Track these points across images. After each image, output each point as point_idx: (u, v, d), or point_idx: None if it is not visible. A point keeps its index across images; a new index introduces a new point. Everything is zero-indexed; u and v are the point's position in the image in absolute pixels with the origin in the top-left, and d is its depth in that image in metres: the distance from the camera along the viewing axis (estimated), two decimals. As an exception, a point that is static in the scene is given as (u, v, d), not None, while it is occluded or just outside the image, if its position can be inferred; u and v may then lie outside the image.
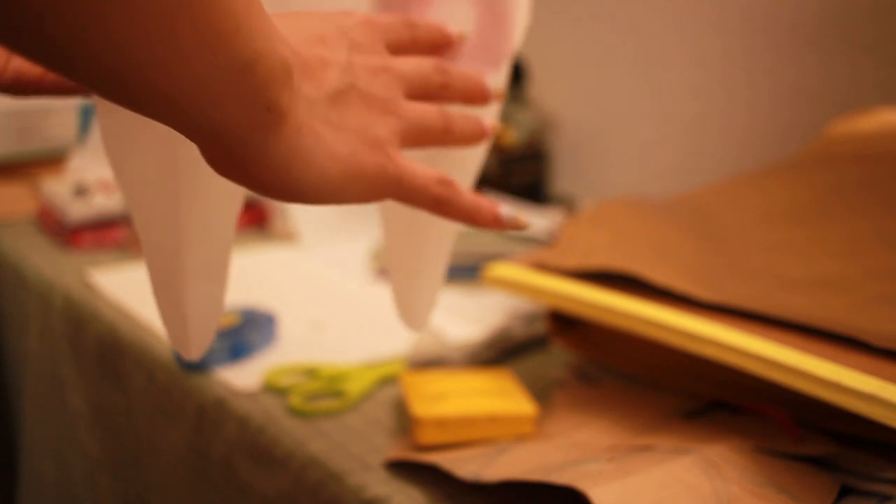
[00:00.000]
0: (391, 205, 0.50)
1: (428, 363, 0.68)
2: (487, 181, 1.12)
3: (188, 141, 0.38)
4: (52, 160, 1.13)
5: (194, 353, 0.49)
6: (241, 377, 0.68)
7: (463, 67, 0.49)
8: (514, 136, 1.14)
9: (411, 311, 0.55)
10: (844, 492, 0.51)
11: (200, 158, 0.39)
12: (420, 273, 0.55)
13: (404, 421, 0.62)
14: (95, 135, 1.13)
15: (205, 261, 0.48)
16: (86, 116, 1.17)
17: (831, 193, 0.70)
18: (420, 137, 0.45)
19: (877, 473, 0.50)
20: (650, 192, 1.04)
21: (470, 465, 0.53)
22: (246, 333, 0.72)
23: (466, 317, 0.80)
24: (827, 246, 0.64)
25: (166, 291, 0.48)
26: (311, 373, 0.69)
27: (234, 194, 0.49)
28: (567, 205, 1.14)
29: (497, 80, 0.53)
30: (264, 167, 0.38)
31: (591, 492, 0.45)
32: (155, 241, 0.47)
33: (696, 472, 0.48)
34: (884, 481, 0.50)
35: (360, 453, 0.58)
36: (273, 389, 0.66)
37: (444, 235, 0.55)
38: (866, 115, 0.80)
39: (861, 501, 0.50)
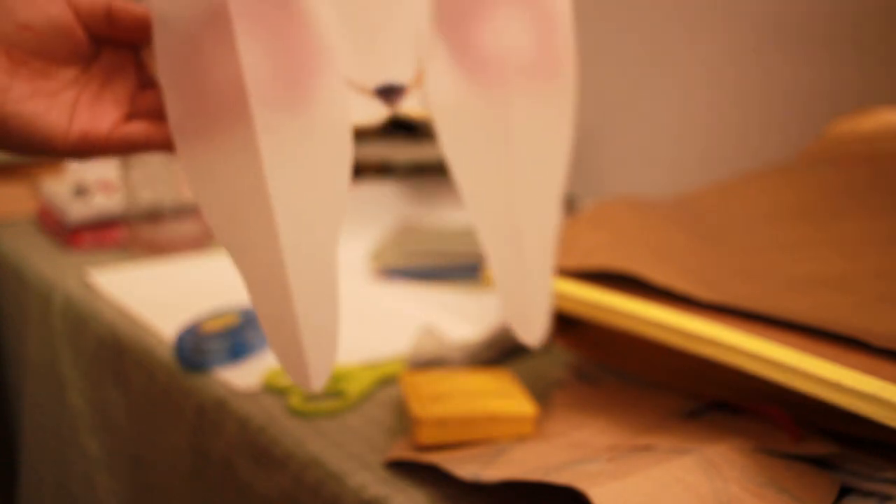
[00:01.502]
0: (488, 217, 0.49)
1: (428, 363, 0.68)
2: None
3: (275, 165, 0.42)
4: (52, 160, 1.13)
5: (316, 384, 0.47)
6: (241, 377, 0.68)
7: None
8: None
9: (527, 323, 0.51)
10: (844, 491, 0.51)
11: (294, 184, 0.43)
12: (527, 282, 0.51)
13: (404, 421, 0.62)
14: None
15: (311, 287, 0.47)
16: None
17: (833, 193, 0.70)
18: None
19: (877, 473, 0.50)
20: (650, 192, 1.04)
21: (470, 466, 0.53)
22: (246, 333, 0.72)
23: (466, 317, 0.80)
24: (829, 246, 0.64)
25: (276, 325, 0.47)
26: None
27: (332, 220, 0.48)
28: (567, 205, 1.14)
29: (557, 92, 0.51)
30: None
31: (591, 491, 0.45)
32: (259, 277, 0.47)
33: (695, 471, 0.48)
34: (884, 481, 0.50)
35: (360, 453, 0.58)
36: (273, 389, 0.66)
37: (545, 235, 0.52)
38: (867, 115, 0.80)
39: (861, 501, 0.50)
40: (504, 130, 0.50)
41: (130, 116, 0.50)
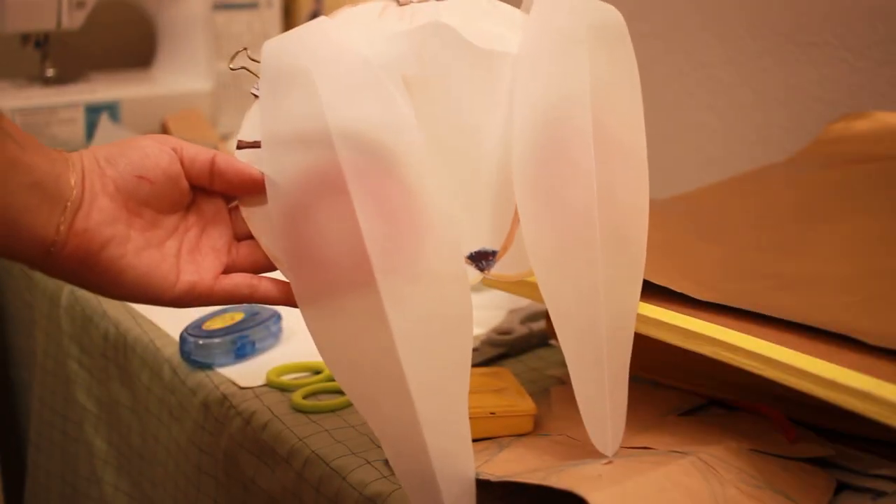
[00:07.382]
0: (574, 338, 0.52)
1: (430, 361, 0.68)
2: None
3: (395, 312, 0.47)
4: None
5: None
6: (246, 374, 0.68)
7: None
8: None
9: (604, 435, 0.53)
10: (839, 488, 0.51)
11: (419, 342, 0.47)
12: (606, 397, 0.53)
13: (406, 418, 0.62)
14: (102, 134, 1.13)
15: (447, 440, 0.49)
16: (92, 117, 1.18)
17: (828, 194, 0.70)
18: None
19: (871, 470, 0.51)
20: (650, 192, 1.04)
21: (470, 462, 0.53)
22: (251, 331, 0.72)
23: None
24: (824, 245, 0.64)
25: (415, 479, 0.49)
26: (314, 370, 0.69)
27: (460, 371, 0.50)
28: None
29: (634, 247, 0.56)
30: None
31: (592, 496, 0.46)
32: (392, 433, 0.49)
33: (693, 474, 0.48)
34: (878, 477, 0.51)
35: (362, 450, 0.58)
36: (277, 387, 0.67)
37: (622, 358, 0.54)
38: (862, 117, 0.81)
39: (855, 498, 0.50)
40: (589, 272, 0.53)
41: (230, 267, 0.52)
